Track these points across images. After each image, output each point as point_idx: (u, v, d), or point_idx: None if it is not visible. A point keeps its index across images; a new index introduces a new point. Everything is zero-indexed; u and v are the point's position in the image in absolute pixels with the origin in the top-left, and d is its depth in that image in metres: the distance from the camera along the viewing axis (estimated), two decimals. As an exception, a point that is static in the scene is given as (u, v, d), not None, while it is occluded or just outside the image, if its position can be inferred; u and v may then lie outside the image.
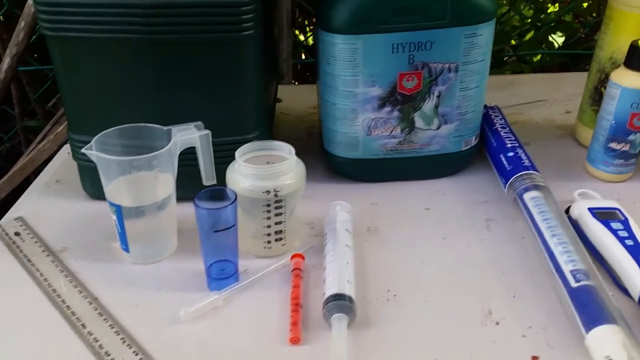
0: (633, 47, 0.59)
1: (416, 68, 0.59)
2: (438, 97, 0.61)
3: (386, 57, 0.58)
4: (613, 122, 0.62)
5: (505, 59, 1.22)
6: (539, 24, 1.33)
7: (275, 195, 0.50)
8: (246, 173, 0.50)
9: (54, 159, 0.74)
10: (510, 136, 0.66)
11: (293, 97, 0.91)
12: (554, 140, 0.75)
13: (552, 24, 1.23)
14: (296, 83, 1.17)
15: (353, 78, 0.59)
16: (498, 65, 1.21)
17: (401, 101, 0.61)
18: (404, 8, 0.55)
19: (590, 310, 0.44)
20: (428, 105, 0.61)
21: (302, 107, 0.88)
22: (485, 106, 0.73)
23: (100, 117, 0.55)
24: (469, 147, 0.66)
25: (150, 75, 0.53)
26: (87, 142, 0.49)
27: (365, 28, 0.56)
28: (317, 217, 0.60)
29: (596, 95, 0.69)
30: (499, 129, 0.68)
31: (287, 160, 0.51)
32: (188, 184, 0.54)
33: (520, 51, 1.26)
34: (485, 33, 0.58)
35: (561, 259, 0.49)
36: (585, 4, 1.25)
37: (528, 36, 1.38)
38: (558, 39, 1.30)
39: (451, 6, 0.55)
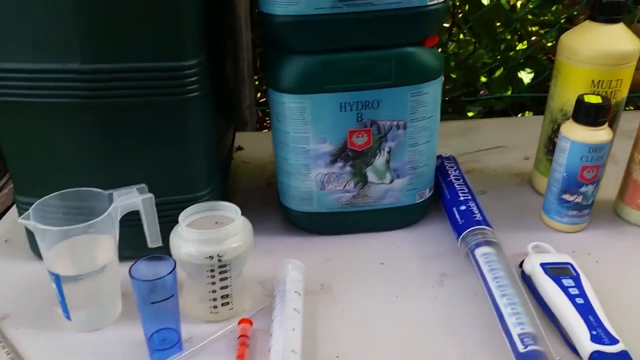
0: (579, 101, 0.60)
1: (365, 125, 0.59)
2: (389, 152, 0.61)
3: (335, 115, 0.58)
4: (565, 174, 0.62)
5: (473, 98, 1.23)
6: (507, 62, 1.36)
7: (219, 260, 0.49)
8: (189, 238, 0.49)
9: (4, 216, 0.72)
10: (464, 188, 0.66)
11: (255, 144, 0.90)
12: (511, 188, 0.75)
13: (522, 61, 1.25)
14: (258, 125, 1.17)
15: (303, 135, 0.59)
16: (469, 103, 1.22)
17: (352, 157, 0.61)
18: (349, 69, 0.55)
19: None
20: (379, 161, 0.61)
21: (263, 155, 0.87)
22: (440, 156, 0.73)
23: (44, 180, 0.54)
24: (423, 199, 0.66)
25: (93, 138, 0.53)
26: (31, 204, 0.48)
27: (313, 88, 0.56)
28: (270, 276, 0.58)
29: (550, 145, 0.69)
30: (453, 180, 0.68)
31: (232, 223, 0.50)
32: (134, 242, 0.53)
33: (492, 88, 1.28)
34: (432, 91, 0.58)
35: (510, 321, 0.49)
36: (549, 44, 1.28)
37: (497, 73, 1.41)
38: (527, 76, 1.33)
39: (395, 67, 0.56)
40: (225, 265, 0.49)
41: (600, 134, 0.60)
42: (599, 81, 0.63)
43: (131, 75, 0.50)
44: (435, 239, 0.65)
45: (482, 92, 1.38)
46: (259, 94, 1.01)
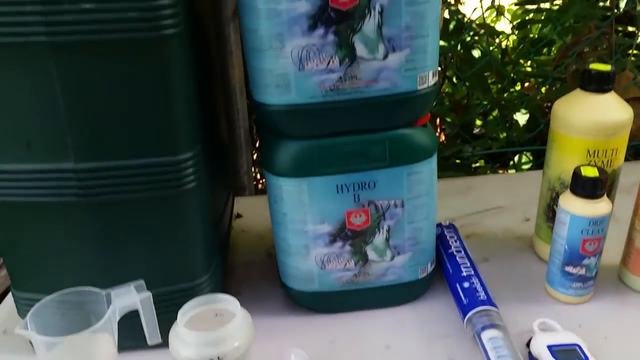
0: (576, 174, 0.60)
1: (363, 205, 0.58)
2: (388, 231, 0.60)
3: (332, 197, 0.58)
4: (566, 247, 0.61)
5: (467, 155, 1.23)
6: (503, 102, 1.37)
7: (220, 361, 0.48)
8: (187, 340, 0.48)
9: (1, 305, 0.71)
10: (466, 262, 0.65)
11: (254, 210, 0.89)
12: (513, 254, 0.74)
13: (516, 102, 1.26)
14: (259, 187, 1.17)
15: (301, 216, 0.59)
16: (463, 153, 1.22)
17: (352, 236, 0.60)
18: (344, 153, 0.56)
19: None
20: (379, 239, 0.61)
21: (262, 221, 0.86)
22: (440, 225, 0.73)
23: (41, 276, 0.54)
24: (425, 274, 0.65)
25: (89, 234, 0.52)
26: (29, 300, 0.48)
27: (308, 172, 0.56)
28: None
29: (549, 212, 0.69)
30: (455, 252, 0.67)
31: (231, 321, 0.49)
32: (135, 333, 0.52)
33: (487, 130, 1.28)
34: (427, 169, 0.58)
35: (519, 414, 0.48)
36: (543, 89, 1.29)
37: (494, 114, 1.42)
38: (522, 117, 1.33)
39: (389, 149, 0.56)
40: (226, 365, 0.48)
41: (600, 207, 0.60)
42: (595, 151, 0.63)
43: (125, 172, 0.50)
44: (440, 316, 0.63)
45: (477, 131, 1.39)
46: (255, 155, 1.01)
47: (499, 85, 1.26)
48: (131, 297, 0.49)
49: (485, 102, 1.21)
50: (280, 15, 0.49)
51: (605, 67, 0.62)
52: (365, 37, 0.51)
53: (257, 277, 0.73)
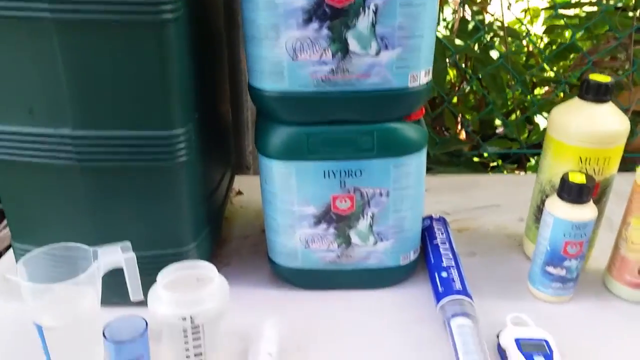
0: (564, 179, 0.61)
1: (348, 191, 0.60)
2: (372, 217, 0.62)
3: (319, 181, 0.59)
4: (548, 247, 0.62)
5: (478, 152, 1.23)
6: (526, 104, 1.35)
7: (192, 321, 0.51)
8: (164, 298, 0.51)
9: (5, 255, 0.75)
10: (449, 253, 0.67)
11: (254, 188, 0.89)
12: (502, 251, 0.75)
13: (538, 104, 1.25)
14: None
15: (289, 197, 0.61)
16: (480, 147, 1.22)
17: (336, 220, 0.62)
18: (332, 141, 0.57)
19: None
20: (362, 224, 0.62)
21: (261, 200, 0.90)
22: (430, 217, 0.74)
23: (38, 230, 0.58)
24: (407, 261, 0.66)
25: (83, 196, 0.56)
26: (26, 251, 0.52)
27: (297, 156, 0.58)
28: (251, 331, 0.60)
29: (539, 214, 0.69)
30: (439, 244, 0.68)
31: (206, 285, 0.52)
32: (122, 290, 0.55)
33: (509, 130, 1.27)
34: (414, 163, 0.60)
35: (472, 402, 0.49)
36: (561, 94, 1.27)
37: (513, 116, 1.41)
38: (544, 120, 1.32)
39: (377, 140, 0.57)
40: (197, 327, 0.51)
41: (584, 212, 0.60)
42: (587, 158, 0.63)
43: (119, 142, 0.53)
44: (417, 302, 0.65)
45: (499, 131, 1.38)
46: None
47: (520, 89, 1.25)
48: (116, 255, 0.52)
49: (498, 102, 1.20)
50: (277, 7, 0.51)
51: (605, 79, 0.62)
52: (358, 33, 0.52)
53: (249, 251, 0.75)
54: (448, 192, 0.90)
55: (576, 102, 0.64)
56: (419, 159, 0.60)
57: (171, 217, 0.58)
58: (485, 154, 1.29)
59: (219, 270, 0.56)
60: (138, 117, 0.52)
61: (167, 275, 0.53)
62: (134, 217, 0.57)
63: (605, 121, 0.62)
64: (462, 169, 1.15)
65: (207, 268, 0.54)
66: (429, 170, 1.00)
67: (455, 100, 1.38)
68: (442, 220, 0.74)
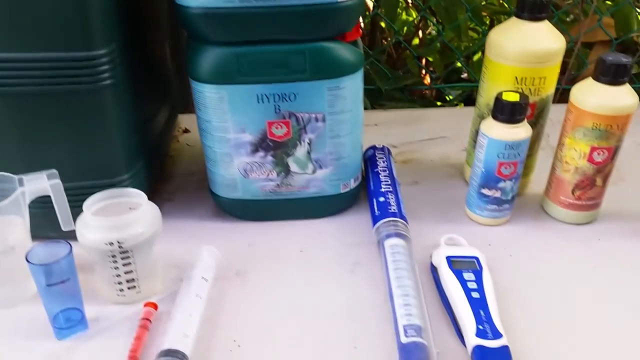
0: (497, 99, 0.61)
1: (283, 117, 0.60)
2: (309, 144, 0.62)
3: (252, 106, 0.59)
4: (483, 169, 0.63)
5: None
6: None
7: (120, 246, 0.50)
8: (91, 224, 0.50)
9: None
10: (388, 180, 0.67)
11: None
12: (444, 179, 0.76)
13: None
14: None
15: (223, 124, 0.60)
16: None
17: (273, 147, 0.62)
18: (264, 62, 0.56)
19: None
20: (300, 151, 0.62)
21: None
22: (374, 147, 0.74)
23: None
24: (348, 189, 0.67)
25: (6, 124, 0.54)
26: None
27: (229, 79, 0.57)
28: (189, 260, 0.60)
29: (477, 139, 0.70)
30: (380, 171, 0.69)
31: (134, 211, 0.52)
32: (57, 223, 0.54)
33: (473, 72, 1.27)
34: (350, 85, 0.59)
35: (399, 312, 0.51)
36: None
37: (476, 57, 1.40)
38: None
39: (310, 60, 0.56)
40: (127, 252, 0.51)
41: (518, 132, 0.61)
42: (522, 78, 0.63)
43: (39, 65, 0.51)
44: (355, 228, 0.66)
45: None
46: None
47: (471, 24, 1.24)
48: (42, 182, 0.51)
49: (452, 39, 1.19)
50: None
51: (539, -6, 0.61)
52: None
53: (193, 187, 0.75)
54: (398, 126, 0.90)
55: (512, 22, 0.63)
56: (355, 82, 0.60)
57: (99, 145, 0.57)
58: (448, 97, 1.29)
59: (161, 206, 0.56)
60: (56, 37, 0.50)
61: (94, 202, 0.53)
62: (62, 146, 0.56)
63: (540, 39, 0.62)
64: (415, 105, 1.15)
65: (135, 195, 0.54)
66: (381, 106, 1.00)
67: (417, 41, 1.36)
68: (385, 150, 0.74)
